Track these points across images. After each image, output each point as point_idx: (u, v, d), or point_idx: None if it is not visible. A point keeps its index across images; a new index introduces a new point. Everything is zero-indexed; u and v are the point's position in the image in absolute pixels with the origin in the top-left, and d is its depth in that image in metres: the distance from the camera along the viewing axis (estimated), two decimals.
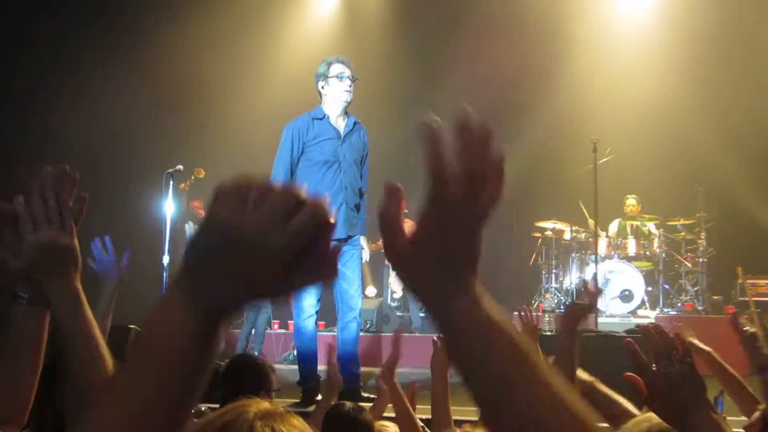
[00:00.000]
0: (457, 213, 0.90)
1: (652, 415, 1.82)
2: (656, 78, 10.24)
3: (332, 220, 0.87)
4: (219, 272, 0.86)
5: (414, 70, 11.01)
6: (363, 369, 6.60)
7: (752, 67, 9.82)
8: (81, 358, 1.70)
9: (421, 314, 10.18)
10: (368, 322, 9.30)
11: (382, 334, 9.15)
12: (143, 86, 9.68)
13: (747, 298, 8.58)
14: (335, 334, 6.10)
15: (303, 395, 5.48)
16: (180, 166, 7.08)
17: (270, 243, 0.84)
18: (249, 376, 3.67)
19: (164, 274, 6.82)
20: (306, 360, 5.73)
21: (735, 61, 9.88)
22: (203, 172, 9.54)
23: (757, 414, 2.50)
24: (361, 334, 8.83)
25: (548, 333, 6.51)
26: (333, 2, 11.88)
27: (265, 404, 1.43)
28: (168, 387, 0.89)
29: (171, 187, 7.04)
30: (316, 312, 5.80)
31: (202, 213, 9.99)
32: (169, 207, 7.04)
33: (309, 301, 5.67)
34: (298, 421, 1.41)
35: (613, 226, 9.60)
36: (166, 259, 7.00)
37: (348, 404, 3.44)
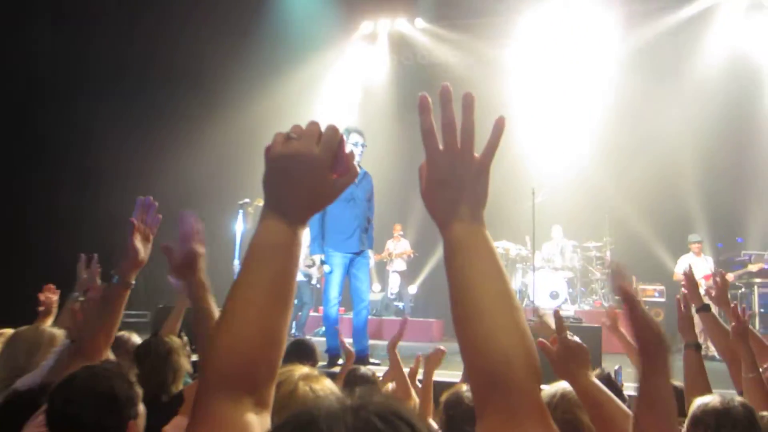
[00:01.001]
0: (458, 160, 0.98)
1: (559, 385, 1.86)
2: (577, 139, 10.47)
3: (343, 136, 0.95)
4: (288, 186, 0.92)
5: (405, 131, 11.28)
6: (370, 342, 6.68)
7: (651, 132, 10.01)
8: (206, 322, 1.68)
9: (411, 304, 10.59)
10: (374, 309, 9.61)
11: (384, 318, 9.43)
12: (225, 140, 9.86)
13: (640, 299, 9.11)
14: (351, 317, 6.07)
15: (328, 360, 5.61)
16: (247, 199, 7.39)
17: (313, 154, 0.91)
18: (303, 352, 3.68)
19: (234, 273, 6.84)
20: (331, 335, 5.84)
21: (639, 126, 10.09)
22: (262, 201, 9.88)
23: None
24: (369, 317, 9.17)
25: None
26: (357, 90, 12.22)
27: (306, 369, 1.46)
28: (273, 288, 0.88)
29: (241, 212, 7.37)
30: (339, 301, 5.94)
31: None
32: (239, 225, 7.34)
33: (333, 293, 5.87)
34: (328, 381, 1.44)
35: (545, 247, 9.88)
36: (236, 263, 7.25)
37: (361, 368, 3.56)
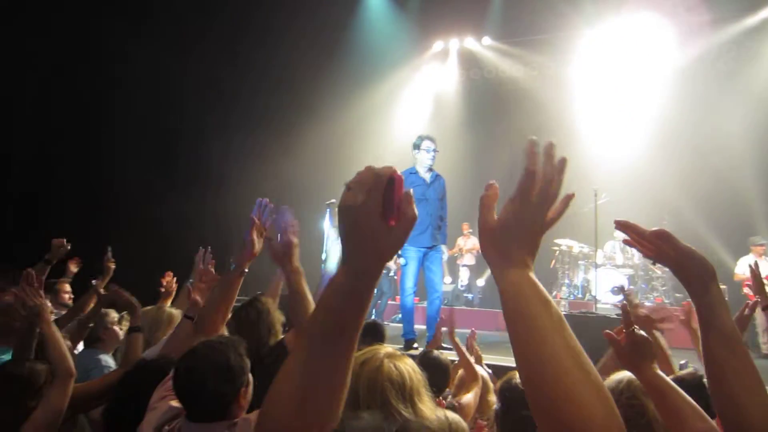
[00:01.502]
0: (532, 210, 0.91)
1: (625, 373, 1.75)
2: (638, 142, 9.97)
3: (396, 173, 0.84)
4: (347, 238, 0.82)
5: (473, 139, 11.20)
6: (444, 329, 6.80)
7: (711, 135, 9.46)
8: (301, 304, 1.85)
9: (479, 295, 10.41)
10: (445, 299, 9.55)
11: (454, 307, 9.32)
12: (315, 145, 10.11)
13: None
14: (425, 306, 6.10)
15: (404, 344, 5.59)
16: (333, 200, 7.29)
17: (358, 203, 0.80)
18: (372, 331, 3.76)
19: (322, 265, 7.06)
20: (407, 322, 5.86)
21: (699, 130, 9.52)
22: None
23: None
24: (441, 307, 9.10)
25: (563, 312, 6.41)
26: (430, 102, 12.17)
27: (390, 348, 1.46)
28: (337, 322, 0.82)
29: (328, 211, 7.41)
30: (414, 291, 5.93)
31: None
32: (326, 223, 7.38)
33: (409, 284, 5.86)
34: (409, 360, 1.44)
35: (608, 245, 9.48)
36: (323, 256, 7.33)
37: (434, 351, 3.44)
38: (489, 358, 4.01)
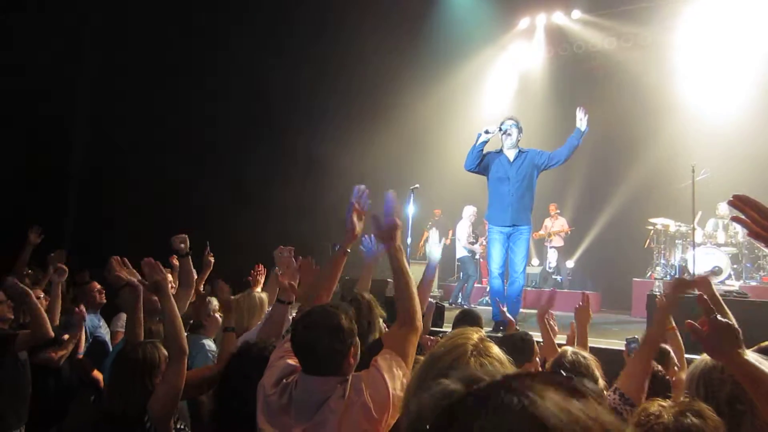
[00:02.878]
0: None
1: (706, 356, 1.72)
2: (742, 114, 9.24)
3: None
4: None
5: (560, 116, 10.77)
6: (530, 310, 6.75)
7: None
8: (402, 278, 1.98)
9: (569, 277, 10.13)
10: (533, 281, 9.41)
11: (543, 289, 9.14)
12: (396, 133, 10.14)
13: None
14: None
15: (494, 326, 5.47)
16: (417, 185, 7.30)
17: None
18: (470, 319, 3.73)
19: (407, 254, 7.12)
20: (495, 304, 5.75)
21: None
22: (439, 212, 9.99)
23: None
24: (527, 288, 8.94)
25: (657, 293, 6.02)
26: (515, 80, 11.90)
27: (481, 333, 1.44)
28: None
29: (412, 195, 7.30)
30: (501, 273, 5.82)
31: (439, 213, 10.30)
32: (410, 207, 7.26)
33: (494, 266, 5.81)
34: (497, 348, 1.40)
35: (709, 224, 8.87)
36: (408, 241, 7.26)
37: (520, 330, 3.61)
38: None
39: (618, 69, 10.40)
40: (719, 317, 1.48)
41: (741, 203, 1.24)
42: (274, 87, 9.87)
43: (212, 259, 4.14)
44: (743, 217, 1.23)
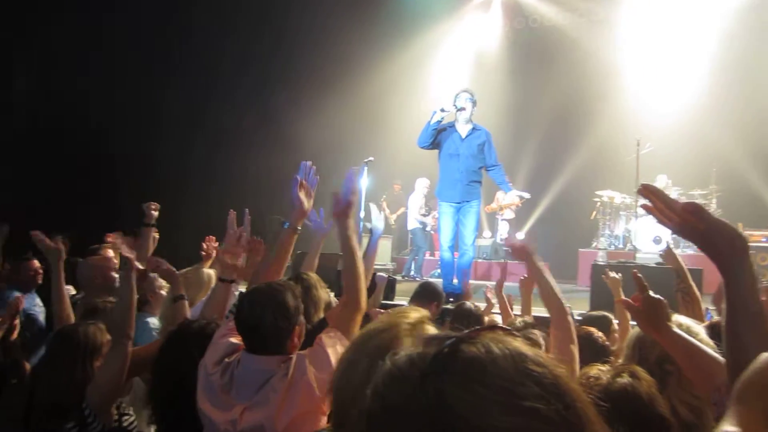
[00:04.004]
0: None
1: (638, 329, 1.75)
2: (685, 88, 9.54)
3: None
4: None
5: (516, 91, 10.83)
6: (481, 282, 6.78)
7: (762, 84, 8.96)
8: (351, 256, 1.98)
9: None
10: (484, 254, 9.54)
11: (492, 261, 9.24)
12: (349, 105, 9.98)
13: None
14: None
15: (444, 296, 5.20)
16: (371, 157, 7.06)
17: None
18: (430, 293, 3.77)
19: (360, 221, 6.81)
20: (444, 276, 5.87)
21: (749, 79, 9.02)
22: (399, 187, 9.96)
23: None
24: (478, 260, 9.05)
25: (601, 263, 6.28)
26: (470, 54, 11.74)
27: (421, 312, 1.24)
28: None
29: (365, 168, 7.00)
30: (451, 246, 5.83)
31: (398, 188, 10.19)
32: (363, 180, 7.03)
33: (444, 239, 5.81)
34: (434, 329, 1.19)
35: None
36: (361, 215, 6.95)
37: (467, 303, 3.61)
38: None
39: (572, 44, 10.49)
40: (651, 293, 1.50)
41: (648, 193, 1.23)
42: (225, 59, 9.55)
43: (157, 235, 3.98)
44: (650, 205, 1.23)
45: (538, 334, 2.54)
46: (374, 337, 1.11)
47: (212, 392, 1.78)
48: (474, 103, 5.76)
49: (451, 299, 5.06)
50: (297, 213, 2.26)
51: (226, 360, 1.82)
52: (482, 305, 3.98)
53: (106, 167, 8.45)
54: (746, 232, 8.06)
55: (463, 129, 5.75)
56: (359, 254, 2.00)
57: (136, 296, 2.33)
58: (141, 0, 8.75)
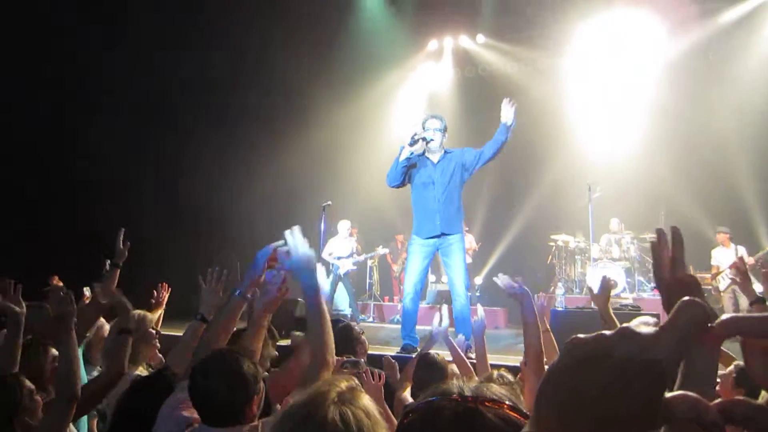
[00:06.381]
0: None
1: None
2: (632, 136, 9.86)
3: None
4: None
5: (469, 135, 11.01)
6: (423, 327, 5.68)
7: (704, 127, 9.40)
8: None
9: (477, 293, 10.22)
10: (443, 298, 9.42)
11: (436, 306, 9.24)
12: (310, 147, 10.01)
13: None
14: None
15: (401, 349, 5.02)
16: (329, 201, 7.37)
17: None
18: (347, 338, 3.45)
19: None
20: (404, 326, 5.19)
21: (691, 122, 9.43)
22: (355, 231, 9.72)
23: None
24: (437, 306, 8.90)
25: (560, 309, 6.27)
26: (423, 100, 12.01)
27: (352, 382, 1.16)
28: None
29: (324, 213, 7.35)
30: (417, 291, 5.19)
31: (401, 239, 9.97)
32: (322, 225, 7.39)
33: (408, 282, 5.18)
34: (367, 399, 1.11)
35: (603, 239, 9.30)
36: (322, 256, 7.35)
37: (431, 353, 3.30)
38: (493, 358, 3.86)
39: (520, 92, 10.78)
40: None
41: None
42: (173, 91, 9.42)
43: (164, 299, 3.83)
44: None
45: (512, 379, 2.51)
46: (299, 408, 1.05)
47: None
48: (444, 130, 5.29)
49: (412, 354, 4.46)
50: (252, 284, 2.21)
51: None
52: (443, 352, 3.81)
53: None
54: (698, 275, 8.32)
55: (434, 156, 5.24)
56: (326, 311, 1.95)
57: (77, 353, 2.16)
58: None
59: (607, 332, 0.50)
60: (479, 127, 11.45)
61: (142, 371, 2.93)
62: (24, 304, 2.45)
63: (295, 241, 2.00)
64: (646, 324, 0.52)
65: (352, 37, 10.95)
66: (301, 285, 1.95)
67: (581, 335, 0.52)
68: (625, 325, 0.52)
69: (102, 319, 3.29)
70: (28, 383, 2.08)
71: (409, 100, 12.04)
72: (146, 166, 9.11)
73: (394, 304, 9.10)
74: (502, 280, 2.82)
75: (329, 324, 1.93)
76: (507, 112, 5.17)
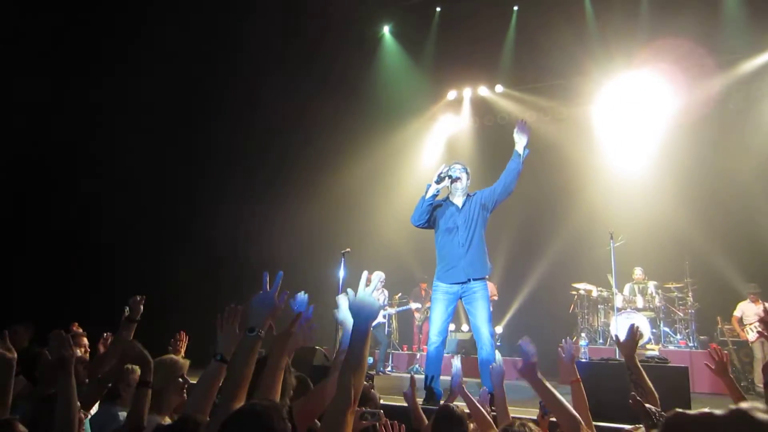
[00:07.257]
0: None
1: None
2: (655, 186, 9.86)
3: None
4: None
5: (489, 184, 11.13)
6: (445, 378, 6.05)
7: (727, 175, 9.35)
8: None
9: (498, 343, 10.07)
10: (463, 348, 9.28)
11: (472, 356, 8.83)
12: (330, 196, 10.14)
13: (725, 338, 8.24)
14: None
15: (425, 396, 4.89)
16: (348, 249, 7.26)
17: None
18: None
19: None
20: (427, 373, 5.06)
21: (714, 170, 9.40)
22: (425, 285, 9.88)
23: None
24: (462, 356, 8.77)
25: (583, 360, 5.97)
26: (443, 149, 12.26)
27: None
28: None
29: (343, 260, 7.22)
30: (442, 339, 5.03)
31: (425, 286, 10.01)
32: (341, 272, 7.19)
33: (433, 330, 5.07)
34: None
35: (627, 288, 9.22)
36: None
37: (452, 405, 3.16)
38: (515, 411, 3.75)
39: (538, 140, 10.90)
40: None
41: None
42: (212, 149, 9.69)
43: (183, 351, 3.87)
44: None
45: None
46: None
47: None
48: (468, 174, 5.37)
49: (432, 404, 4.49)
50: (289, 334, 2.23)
51: None
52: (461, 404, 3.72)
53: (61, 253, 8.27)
54: (726, 326, 8.11)
55: (459, 201, 5.26)
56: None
57: (75, 398, 2.14)
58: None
59: (718, 412, 0.46)
60: (498, 175, 11.49)
61: (166, 420, 2.86)
62: (14, 351, 2.37)
63: (371, 285, 1.97)
64: (763, 412, 0.47)
65: (374, 87, 11.25)
66: (354, 326, 1.94)
67: (681, 410, 0.48)
68: (739, 407, 0.48)
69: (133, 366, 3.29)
70: (21, 427, 2.03)
71: (429, 148, 12.24)
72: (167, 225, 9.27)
73: (414, 353, 8.98)
74: (525, 343, 2.81)
75: (365, 371, 1.89)
76: (518, 138, 5.34)
